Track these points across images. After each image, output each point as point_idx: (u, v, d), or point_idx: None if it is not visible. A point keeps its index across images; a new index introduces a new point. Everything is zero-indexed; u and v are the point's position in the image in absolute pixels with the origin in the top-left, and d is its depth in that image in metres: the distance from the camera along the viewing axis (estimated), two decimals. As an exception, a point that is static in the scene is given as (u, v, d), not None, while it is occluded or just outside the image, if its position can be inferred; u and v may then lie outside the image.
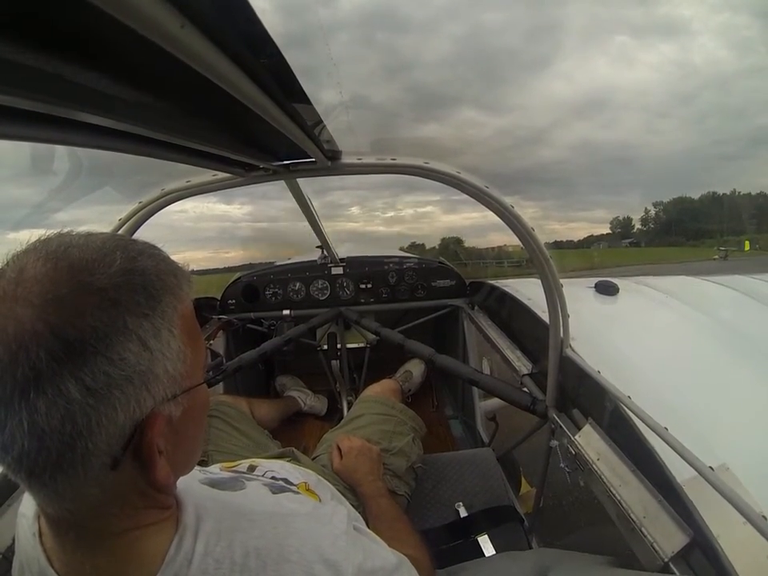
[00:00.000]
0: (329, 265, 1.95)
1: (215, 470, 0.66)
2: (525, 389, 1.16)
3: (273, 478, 0.68)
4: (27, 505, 0.42)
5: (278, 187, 0.96)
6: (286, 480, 0.69)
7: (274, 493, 0.57)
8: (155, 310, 0.32)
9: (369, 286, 1.96)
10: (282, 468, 0.75)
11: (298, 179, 0.93)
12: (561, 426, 0.97)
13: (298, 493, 0.62)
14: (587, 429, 0.88)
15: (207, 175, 0.84)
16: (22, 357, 0.27)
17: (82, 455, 0.30)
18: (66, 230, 0.34)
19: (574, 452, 0.88)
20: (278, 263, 2.20)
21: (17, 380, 0.27)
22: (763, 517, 0.51)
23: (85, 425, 0.29)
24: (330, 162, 0.74)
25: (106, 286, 0.30)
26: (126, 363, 0.30)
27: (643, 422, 0.69)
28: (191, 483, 0.48)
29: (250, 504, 0.49)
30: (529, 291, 1.38)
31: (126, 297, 0.31)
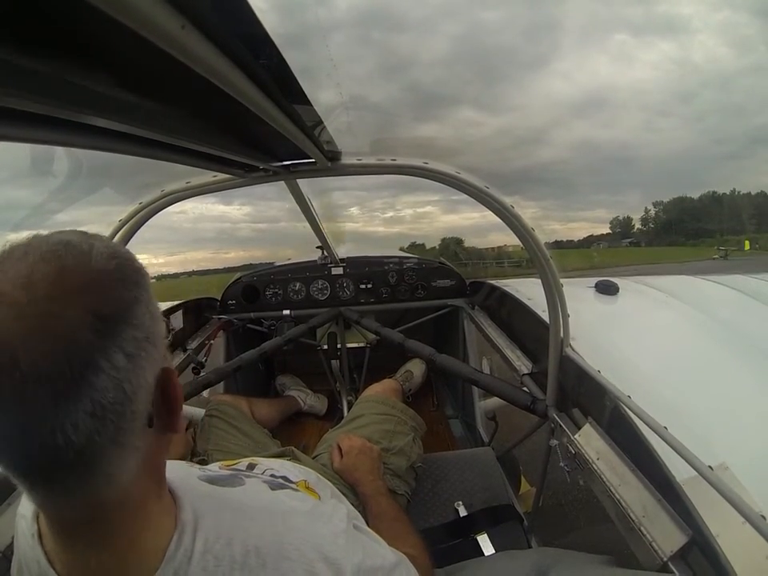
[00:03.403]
0: (329, 265, 1.95)
1: (214, 468, 0.67)
2: (525, 388, 1.16)
3: (272, 475, 0.69)
4: (26, 505, 0.42)
5: (277, 188, 0.96)
6: (285, 478, 0.69)
7: (272, 489, 0.57)
8: (143, 279, 0.36)
9: (369, 286, 1.96)
10: (282, 466, 0.76)
11: (297, 180, 0.93)
12: (561, 426, 0.97)
13: (297, 490, 0.62)
14: (587, 428, 0.88)
15: (207, 176, 0.84)
16: (72, 348, 0.29)
17: (131, 420, 0.32)
18: (31, 235, 0.34)
19: (573, 451, 0.88)
20: (278, 263, 2.20)
21: (73, 368, 0.29)
22: (762, 516, 0.51)
23: (131, 390, 0.32)
24: (330, 162, 0.74)
25: (108, 268, 0.33)
26: (144, 326, 0.34)
27: (643, 421, 0.69)
28: (190, 480, 0.48)
29: (248, 500, 0.49)
30: (529, 291, 1.39)
31: (125, 273, 0.34)
